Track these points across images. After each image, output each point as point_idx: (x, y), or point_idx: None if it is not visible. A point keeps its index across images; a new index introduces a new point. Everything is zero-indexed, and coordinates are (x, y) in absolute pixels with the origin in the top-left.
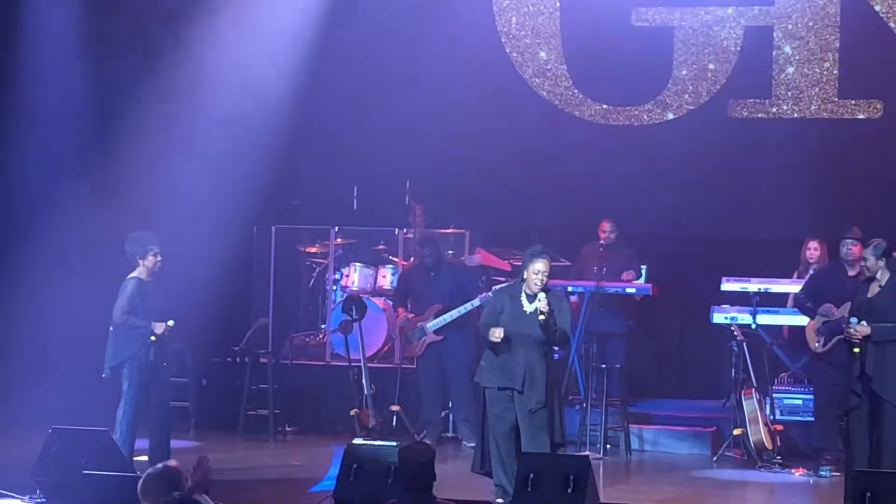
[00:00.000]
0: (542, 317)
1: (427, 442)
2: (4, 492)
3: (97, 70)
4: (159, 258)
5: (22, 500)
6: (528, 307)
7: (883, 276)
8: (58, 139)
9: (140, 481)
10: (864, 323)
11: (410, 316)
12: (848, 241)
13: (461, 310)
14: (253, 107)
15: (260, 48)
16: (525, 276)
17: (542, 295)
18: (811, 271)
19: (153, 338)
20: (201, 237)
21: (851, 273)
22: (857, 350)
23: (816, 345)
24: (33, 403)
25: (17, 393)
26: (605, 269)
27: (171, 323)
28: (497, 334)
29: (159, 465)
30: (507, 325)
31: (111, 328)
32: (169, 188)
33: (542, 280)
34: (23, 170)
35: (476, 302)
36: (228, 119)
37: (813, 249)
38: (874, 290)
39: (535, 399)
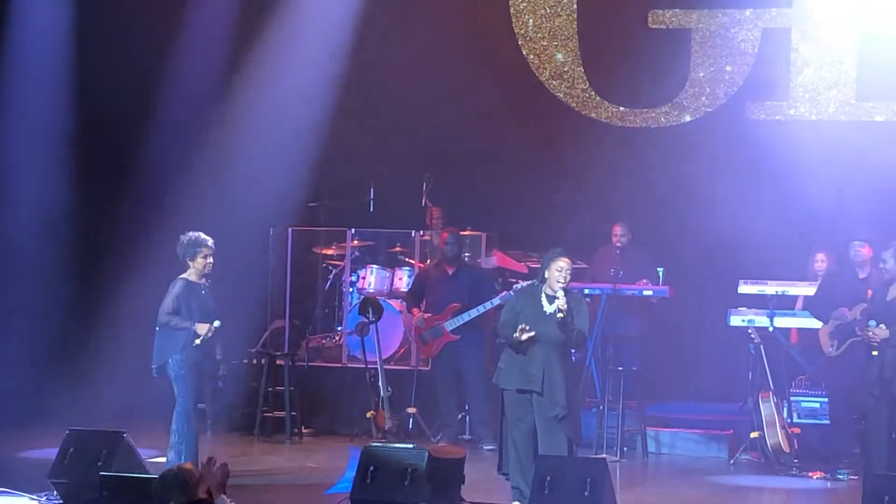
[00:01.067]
0: (560, 315)
1: (446, 444)
2: (20, 492)
3: (111, 70)
4: (210, 260)
5: (38, 500)
6: (549, 308)
7: None
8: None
9: (155, 481)
10: (882, 326)
11: (427, 316)
12: (856, 242)
13: (480, 309)
14: (269, 109)
15: (275, 51)
16: (547, 276)
17: (561, 293)
18: (821, 278)
19: (198, 341)
20: (218, 239)
21: (862, 275)
22: (875, 353)
23: (830, 348)
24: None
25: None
26: (621, 273)
27: (216, 324)
28: (525, 334)
29: (174, 467)
30: (526, 326)
31: (157, 328)
32: (185, 190)
33: (565, 277)
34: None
35: (496, 300)
36: (244, 121)
37: (820, 262)
38: (893, 292)
39: (557, 405)
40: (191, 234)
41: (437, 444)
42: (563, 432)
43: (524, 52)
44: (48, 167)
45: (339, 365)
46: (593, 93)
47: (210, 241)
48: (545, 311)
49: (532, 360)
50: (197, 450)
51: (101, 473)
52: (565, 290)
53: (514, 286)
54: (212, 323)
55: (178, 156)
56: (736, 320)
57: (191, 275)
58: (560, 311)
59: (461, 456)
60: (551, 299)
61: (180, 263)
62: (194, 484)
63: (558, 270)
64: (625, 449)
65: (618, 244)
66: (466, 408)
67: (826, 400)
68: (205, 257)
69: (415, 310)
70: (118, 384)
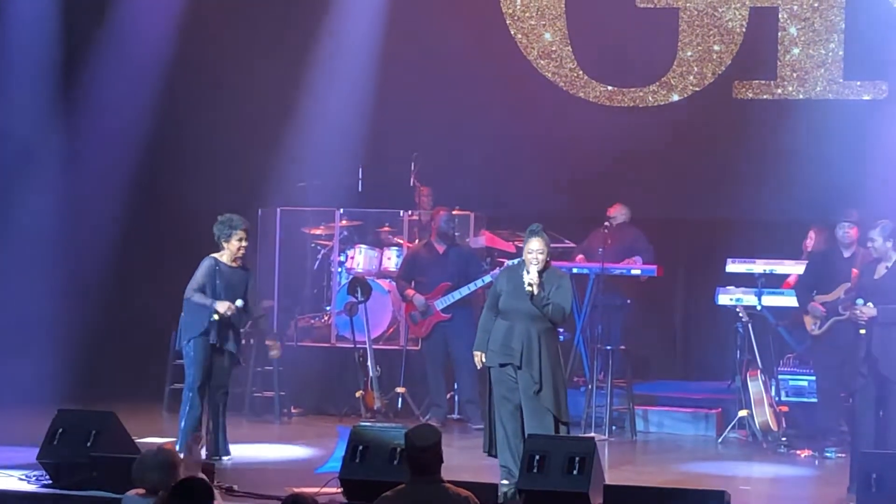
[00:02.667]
0: (528, 288)
1: (433, 424)
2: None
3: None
4: (244, 243)
5: (28, 480)
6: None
7: (890, 258)
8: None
9: (135, 462)
10: (870, 304)
11: (428, 301)
12: (846, 223)
13: (470, 287)
14: (258, 90)
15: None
16: (524, 256)
17: (534, 269)
18: (808, 257)
19: (216, 316)
20: (206, 219)
21: (846, 254)
22: (862, 332)
23: (813, 327)
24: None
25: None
26: (619, 248)
27: (238, 303)
28: (479, 363)
29: (153, 448)
30: (507, 301)
31: (184, 303)
32: (175, 171)
33: (537, 259)
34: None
35: (487, 279)
36: (232, 102)
37: (809, 239)
38: (881, 271)
39: (533, 378)
40: (228, 215)
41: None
42: (549, 411)
43: (512, 32)
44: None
45: (328, 345)
46: (581, 72)
47: (246, 225)
48: (525, 287)
49: (512, 335)
50: (197, 428)
51: (91, 454)
52: (546, 267)
53: (508, 263)
54: (233, 302)
55: (166, 137)
56: (724, 299)
57: (223, 255)
58: (529, 284)
59: (438, 437)
60: None
61: (215, 243)
62: (173, 466)
63: (529, 253)
64: (613, 428)
65: (614, 221)
66: (455, 387)
67: (813, 378)
68: (239, 240)
69: (409, 290)
70: (111, 366)
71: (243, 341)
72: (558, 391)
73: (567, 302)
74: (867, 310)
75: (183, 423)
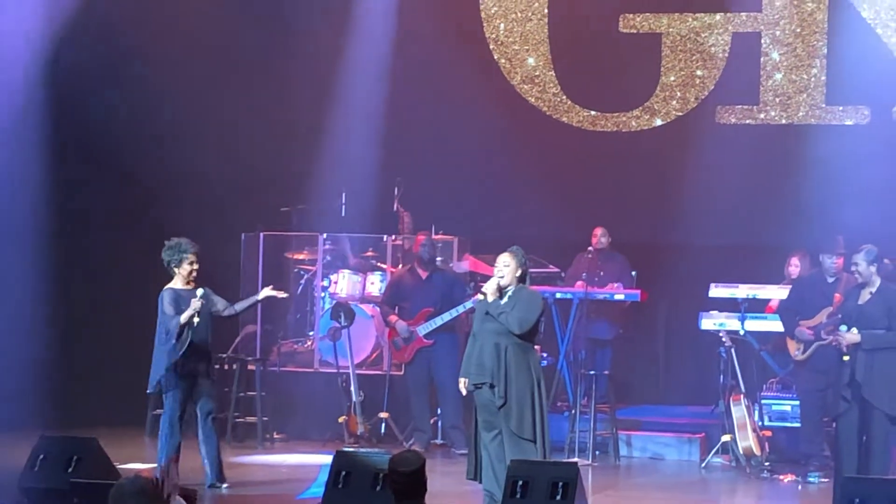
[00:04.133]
0: (480, 296)
1: (416, 449)
2: None
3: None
4: (195, 266)
5: None
6: (502, 301)
7: (874, 283)
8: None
9: (112, 490)
10: (854, 330)
11: (411, 327)
12: (833, 255)
13: (452, 312)
14: (243, 113)
15: (251, 56)
16: None
17: (493, 279)
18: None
19: (196, 319)
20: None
21: (830, 280)
22: (846, 358)
23: (797, 352)
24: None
25: None
26: (601, 273)
27: (199, 292)
28: (461, 386)
29: (131, 475)
30: (476, 323)
31: (157, 342)
32: (158, 195)
33: (499, 271)
34: None
35: (469, 304)
36: (216, 126)
37: (794, 266)
38: (865, 296)
39: (497, 392)
40: (175, 240)
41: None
42: (524, 433)
43: (495, 57)
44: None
45: (311, 370)
46: (564, 97)
47: (195, 248)
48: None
49: (483, 353)
50: (177, 456)
51: (73, 480)
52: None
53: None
54: (195, 298)
55: (149, 162)
56: (707, 324)
57: (176, 282)
58: (482, 293)
59: (421, 462)
60: (502, 295)
61: (166, 270)
62: (151, 493)
63: (496, 265)
64: (597, 453)
65: (597, 246)
66: (439, 412)
67: (797, 403)
68: (190, 264)
69: (392, 317)
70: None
71: (224, 366)
72: (523, 407)
73: (526, 313)
74: (850, 336)
75: (163, 453)
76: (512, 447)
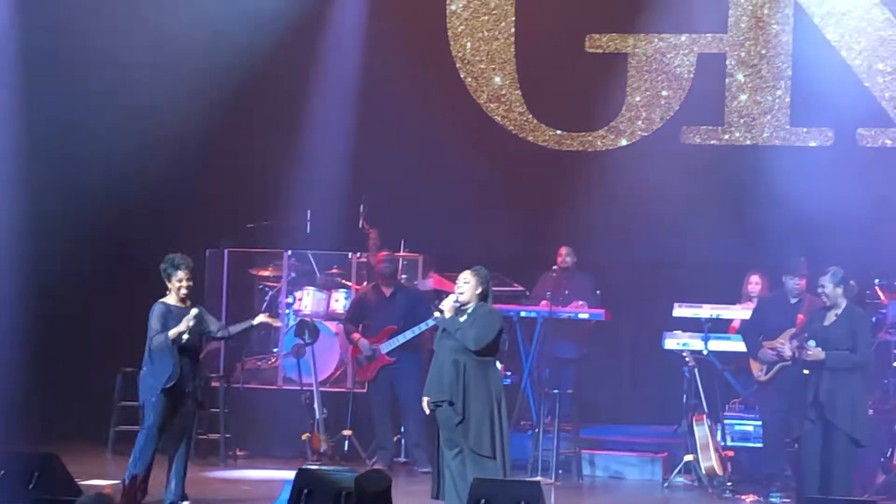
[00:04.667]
0: (436, 313)
1: (380, 468)
2: None
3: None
4: (185, 283)
5: None
6: (459, 318)
7: (840, 305)
8: None
9: None
10: (819, 349)
11: (374, 345)
12: (796, 277)
13: (415, 330)
14: (206, 129)
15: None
16: None
17: (451, 296)
18: (756, 301)
19: (185, 337)
20: (154, 260)
21: (793, 301)
22: (806, 371)
23: (759, 372)
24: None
25: None
26: (567, 292)
27: (194, 312)
28: (424, 405)
29: (92, 492)
30: (436, 342)
31: (143, 366)
32: (120, 211)
33: (459, 288)
34: None
35: (431, 322)
36: (181, 141)
37: (754, 284)
38: (831, 318)
39: (456, 410)
40: (171, 255)
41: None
42: (484, 451)
43: (462, 76)
44: None
45: (275, 387)
46: (530, 116)
47: (187, 264)
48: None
49: (443, 371)
50: (147, 475)
51: (33, 496)
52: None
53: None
54: (189, 314)
55: (114, 178)
56: (671, 343)
57: (169, 298)
58: (439, 310)
59: (388, 483)
60: (462, 313)
61: (162, 283)
62: None
63: (456, 282)
64: (560, 472)
65: (562, 265)
66: (402, 430)
67: (759, 423)
68: (180, 280)
69: (355, 335)
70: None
71: (210, 384)
72: (482, 424)
73: (483, 330)
74: (815, 352)
75: (136, 465)
76: (472, 464)
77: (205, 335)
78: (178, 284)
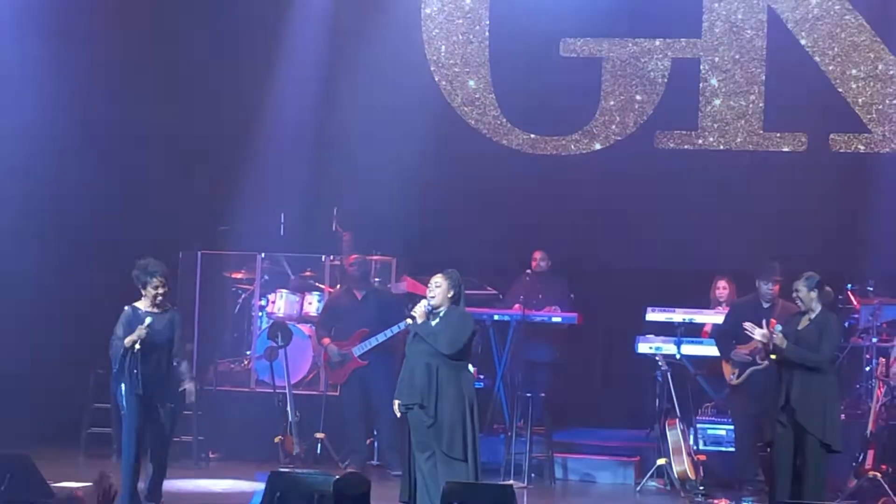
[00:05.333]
0: (409, 321)
1: (352, 470)
2: None
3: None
4: (160, 290)
5: None
6: (432, 322)
7: (815, 310)
8: None
9: None
10: (782, 335)
11: (343, 350)
12: (770, 282)
13: (387, 333)
14: (181, 132)
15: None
16: None
17: (423, 302)
18: (728, 306)
19: (137, 346)
20: (126, 261)
21: (766, 305)
22: (773, 356)
23: (731, 376)
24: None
25: None
26: (540, 296)
27: (148, 320)
28: (395, 407)
29: (65, 493)
30: (409, 345)
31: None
32: (96, 212)
33: (430, 292)
34: None
35: (402, 325)
36: (155, 142)
37: (721, 289)
38: (804, 322)
39: (428, 413)
40: (145, 260)
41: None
42: (456, 455)
43: (436, 79)
44: None
45: (248, 389)
46: (505, 120)
47: (162, 270)
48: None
49: (414, 374)
50: (135, 471)
51: (4, 498)
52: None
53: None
54: (140, 326)
55: (87, 179)
56: (644, 347)
57: (142, 303)
58: (409, 316)
59: (366, 486)
60: (434, 315)
61: (134, 286)
62: None
63: (428, 286)
64: (532, 475)
65: (536, 269)
66: (375, 433)
67: (731, 427)
68: (155, 287)
69: (325, 339)
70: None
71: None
72: (454, 427)
73: (455, 333)
74: (779, 337)
75: (122, 468)
76: (443, 467)
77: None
78: (152, 291)
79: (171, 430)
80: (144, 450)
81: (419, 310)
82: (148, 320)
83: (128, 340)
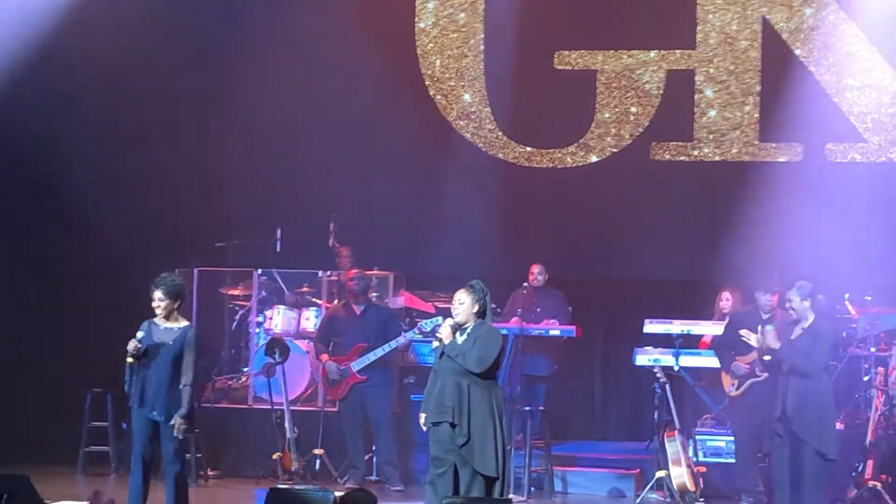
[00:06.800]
0: (435, 343)
1: (352, 486)
2: None
3: None
4: (155, 303)
5: None
6: (459, 338)
7: (808, 319)
8: None
9: None
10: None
11: (342, 365)
12: (768, 293)
13: (385, 348)
14: (175, 148)
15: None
16: None
17: (448, 321)
18: (728, 317)
19: (129, 359)
20: (124, 279)
21: (765, 317)
22: (767, 358)
23: (731, 388)
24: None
25: None
26: (538, 309)
27: (139, 334)
28: (421, 421)
29: None
30: (437, 361)
31: None
32: (92, 230)
33: (455, 310)
34: None
35: (401, 340)
36: (150, 159)
37: (725, 300)
38: (797, 331)
39: (461, 430)
40: (163, 274)
41: (343, 488)
42: (484, 468)
43: (431, 93)
44: None
45: (246, 406)
46: (500, 133)
47: (156, 284)
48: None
49: (444, 392)
50: (140, 494)
51: None
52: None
53: (420, 324)
54: (132, 340)
55: (85, 197)
56: (642, 359)
57: (158, 317)
58: (437, 337)
59: (374, 502)
60: (462, 331)
61: (131, 302)
62: None
63: (452, 303)
64: (532, 489)
65: (533, 283)
66: (373, 448)
67: (731, 439)
68: (153, 301)
69: (323, 355)
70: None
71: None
72: (485, 445)
73: (483, 351)
74: (770, 338)
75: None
76: (476, 484)
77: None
78: (153, 305)
79: (180, 444)
80: (156, 468)
81: (444, 330)
82: (139, 334)
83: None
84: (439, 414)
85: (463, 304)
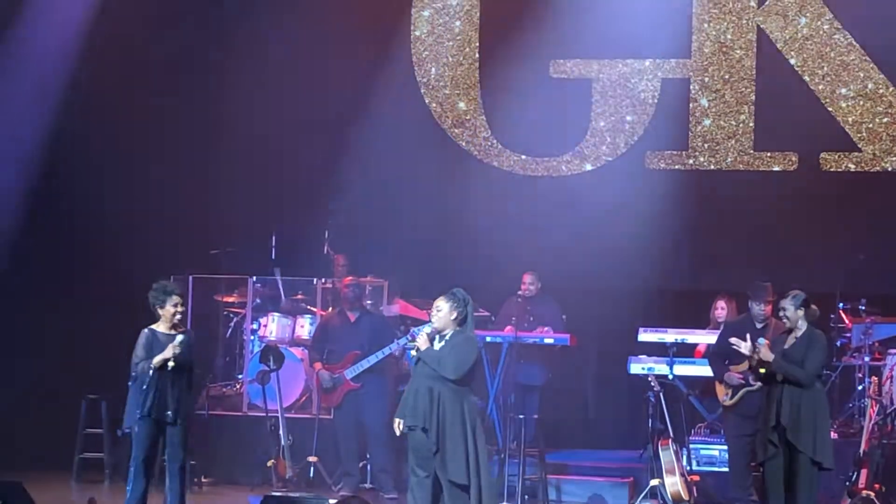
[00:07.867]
0: (413, 352)
1: (352, 494)
2: None
3: None
4: (180, 308)
5: None
6: (436, 345)
7: (801, 328)
8: None
9: None
10: (768, 349)
11: (335, 374)
12: (762, 303)
13: (378, 355)
14: (171, 154)
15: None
16: None
17: (425, 328)
18: (722, 326)
19: (171, 363)
20: (121, 287)
21: (759, 326)
22: (762, 371)
23: (725, 397)
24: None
25: None
26: (531, 318)
27: (179, 338)
28: (395, 427)
29: None
30: (414, 366)
31: (129, 384)
32: (86, 239)
33: (433, 314)
34: None
35: (394, 347)
36: (145, 165)
37: (720, 309)
38: (790, 340)
39: (431, 439)
40: (162, 281)
41: (338, 496)
42: (458, 476)
43: (427, 101)
44: None
45: (240, 413)
46: (495, 141)
47: (180, 290)
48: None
49: (418, 397)
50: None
51: None
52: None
53: (412, 330)
54: (173, 343)
55: (79, 204)
56: (636, 368)
57: (159, 325)
58: (414, 343)
59: None
60: (441, 338)
61: (151, 312)
62: None
63: (430, 310)
64: (526, 497)
65: (525, 292)
66: (368, 456)
67: (725, 447)
68: (174, 306)
69: (317, 364)
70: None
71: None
72: (456, 452)
73: (459, 358)
74: (764, 351)
75: (129, 499)
76: (449, 493)
77: (191, 364)
78: (171, 310)
79: (184, 452)
80: (158, 477)
81: (421, 337)
82: (180, 338)
83: (158, 359)
84: (413, 418)
85: (441, 310)
